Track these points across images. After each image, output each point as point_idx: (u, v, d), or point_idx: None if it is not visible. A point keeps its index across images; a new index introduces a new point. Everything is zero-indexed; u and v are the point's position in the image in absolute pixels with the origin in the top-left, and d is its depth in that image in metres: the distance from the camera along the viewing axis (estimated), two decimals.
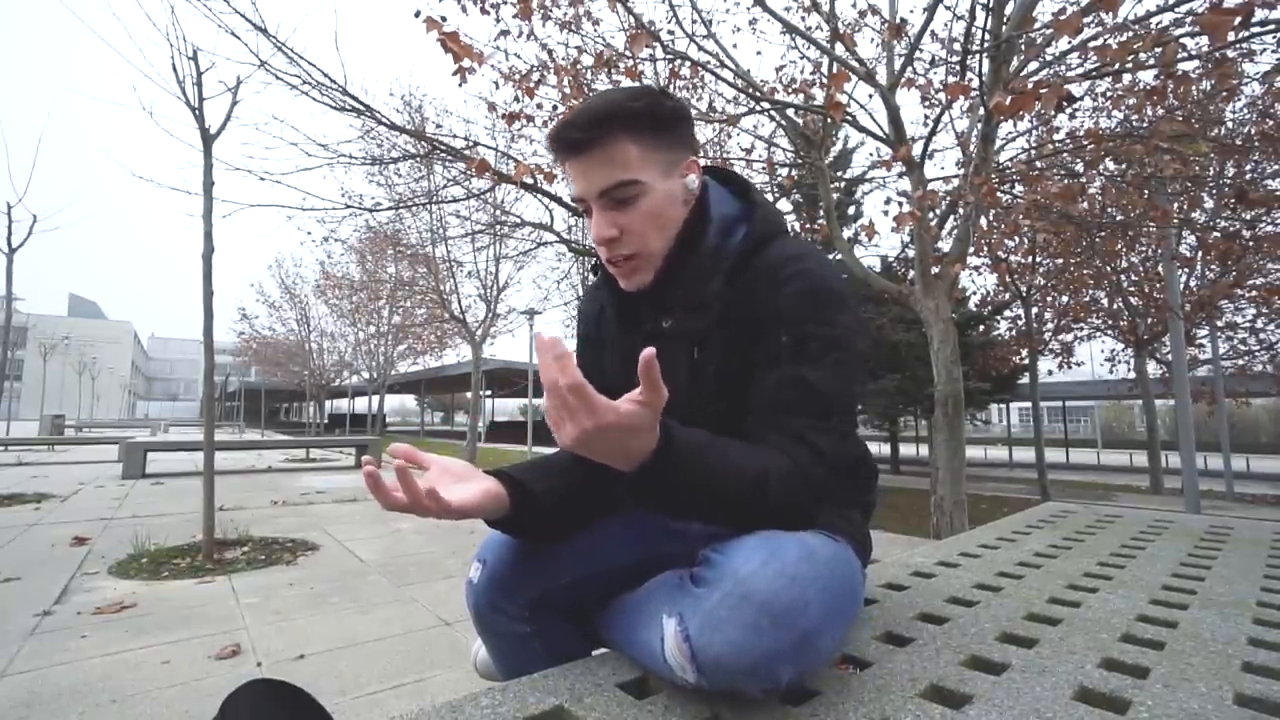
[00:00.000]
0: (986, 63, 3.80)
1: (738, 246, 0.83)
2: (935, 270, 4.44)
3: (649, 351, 0.57)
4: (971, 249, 5.98)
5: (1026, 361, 11.31)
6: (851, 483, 0.92)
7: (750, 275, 0.80)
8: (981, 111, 3.85)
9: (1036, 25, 3.67)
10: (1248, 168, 6.80)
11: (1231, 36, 2.71)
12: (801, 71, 5.74)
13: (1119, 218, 5.96)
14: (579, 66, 4.71)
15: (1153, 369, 11.08)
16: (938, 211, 4.82)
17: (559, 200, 5.46)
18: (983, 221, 6.07)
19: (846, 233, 11.57)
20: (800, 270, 0.77)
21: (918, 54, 4.66)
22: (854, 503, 0.91)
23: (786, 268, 0.78)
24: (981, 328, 12.46)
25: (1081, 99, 5.60)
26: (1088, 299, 10.58)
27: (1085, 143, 4.47)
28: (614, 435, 0.60)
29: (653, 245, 0.80)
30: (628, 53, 4.33)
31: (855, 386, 0.81)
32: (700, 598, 0.64)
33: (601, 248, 0.81)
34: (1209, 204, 6.85)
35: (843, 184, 10.44)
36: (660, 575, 0.80)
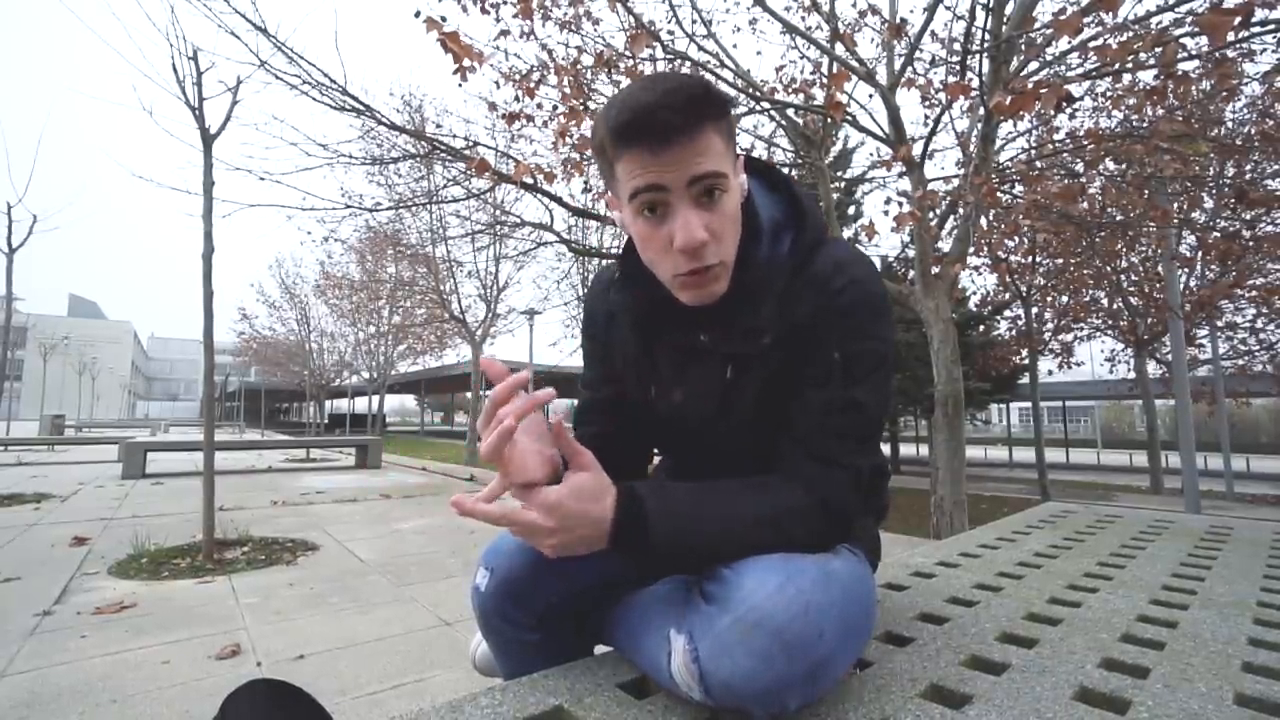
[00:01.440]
0: (986, 63, 3.80)
1: (786, 258, 0.75)
2: (935, 270, 4.45)
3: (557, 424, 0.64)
4: (971, 249, 5.97)
5: (1026, 361, 11.32)
6: (871, 491, 0.89)
7: (797, 286, 0.73)
8: (981, 111, 3.86)
9: (1036, 25, 3.67)
10: (1248, 168, 6.79)
11: (1231, 36, 2.71)
12: (801, 71, 5.75)
13: (1119, 218, 5.95)
14: (579, 66, 4.71)
15: (1153, 369, 11.08)
16: (938, 211, 4.82)
17: (559, 200, 5.46)
18: (983, 221, 6.07)
19: (846, 233, 11.59)
20: (851, 280, 0.72)
21: (918, 54, 4.67)
22: (869, 509, 0.89)
23: (836, 278, 0.72)
24: (981, 328, 12.46)
25: (1081, 99, 5.60)
26: (1088, 299, 10.59)
27: (1085, 143, 4.47)
28: (571, 508, 0.62)
29: (733, 251, 0.71)
30: (628, 53, 4.33)
31: (892, 397, 0.78)
32: (711, 617, 0.62)
33: (681, 256, 0.67)
34: (1209, 204, 6.85)
35: (843, 184, 10.45)
36: (669, 580, 0.79)
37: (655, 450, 1.00)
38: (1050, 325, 11.46)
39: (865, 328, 0.72)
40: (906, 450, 19.22)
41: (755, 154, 6.46)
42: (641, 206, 0.67)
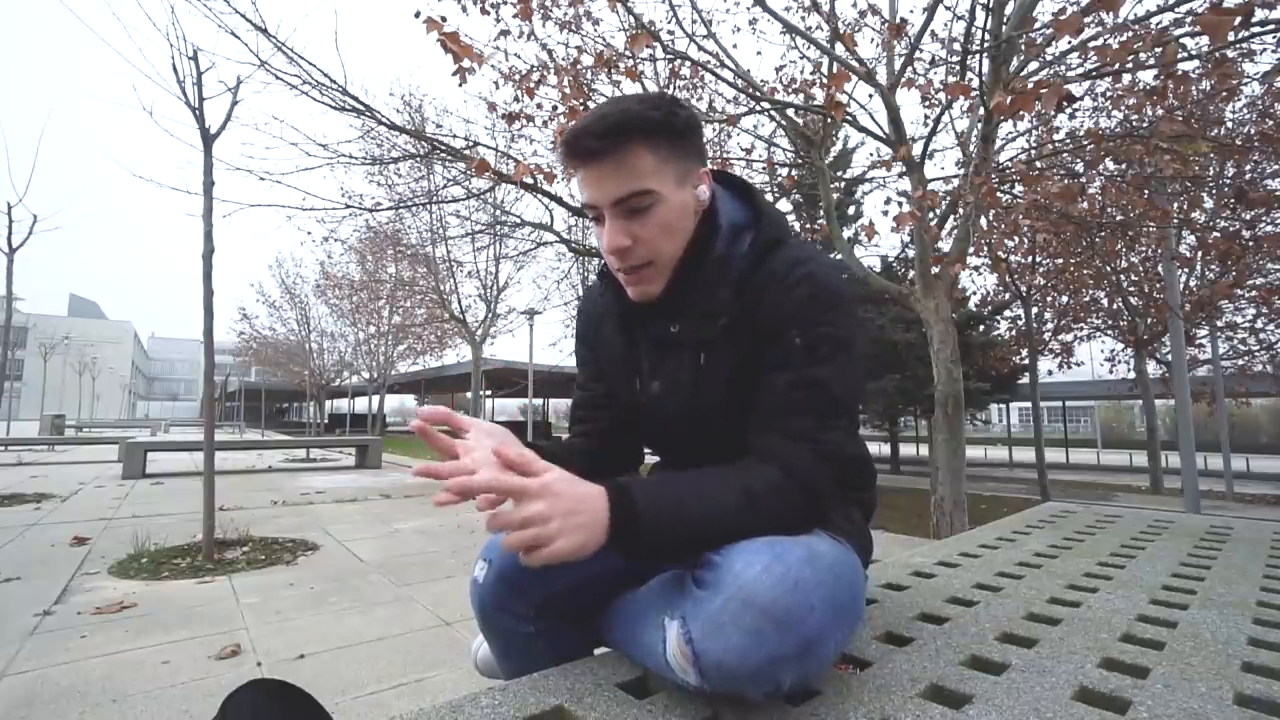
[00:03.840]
0: (986, 63, 3.80)
1: (745, 253, 0.83)
2: (935, 270, 4.44)
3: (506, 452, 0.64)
4: (971, 249, 5.97)
5: (1026, 361, 11.32)
6: (853, 482, 0.91)
7: (758, 282, 0.80)
8: (981, 111, 3.85)
9: (1036, 25, 3.67)
10: (1248, 168, 6.79)
11: (1231, 36, 2.71)
12: (801, 71, 5.74)
13: (1119, 218, 5.95)
14: (579, 66, 4.70)
15: (1153, 369, 11.08)
16: (938, 211, 4.82)
17: (559, 200, 5.46)
18: (983, 221, 6.07)
19: (846, 233, 11.57)
20: (806, 274, 0.77)
21: (918, 54, 4.66)
22: (854, 502, 0.91)
23: (793, 273, 0.78)
24: (981, 328, 12.46)
25: (1081, 99, 5.60)
26: (1088, 299, 10.59)
27: (1085, 143, 4.47)
28: (564, 490, 0.63)
29: (664, 256, 0.79)
30: (628, 53, 4.32)
31: (859, 386, 0.82)
32: (702, 600, 0.64)
33: (612, 256, 0.79)
34: (1209, 204, 6.85)
35: (843, 184, 10.44)
36: (662, 575, 0.79)
37: (649, 451, 1.02)
38: (1050, 325, 11.47)
39: (824, 315, 0.77)
40: (906, 450, 19.20)
41: (755, 154, 6.49)
42: (590, 215, 0.81)
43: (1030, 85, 3.03)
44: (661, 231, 0.77)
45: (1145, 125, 4.47)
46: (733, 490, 0.70)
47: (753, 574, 0.62)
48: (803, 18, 5.53)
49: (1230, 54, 4.00)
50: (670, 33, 4.78)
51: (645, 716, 0.66)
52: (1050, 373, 12.11)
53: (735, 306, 0.80)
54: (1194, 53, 3.35)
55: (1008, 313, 11.90)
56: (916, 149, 4.30)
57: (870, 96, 4.85)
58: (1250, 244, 6.78)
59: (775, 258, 0.80)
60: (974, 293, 11.72)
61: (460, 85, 3.86)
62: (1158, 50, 2.87)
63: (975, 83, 3.68)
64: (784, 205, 9.06)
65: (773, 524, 0.69)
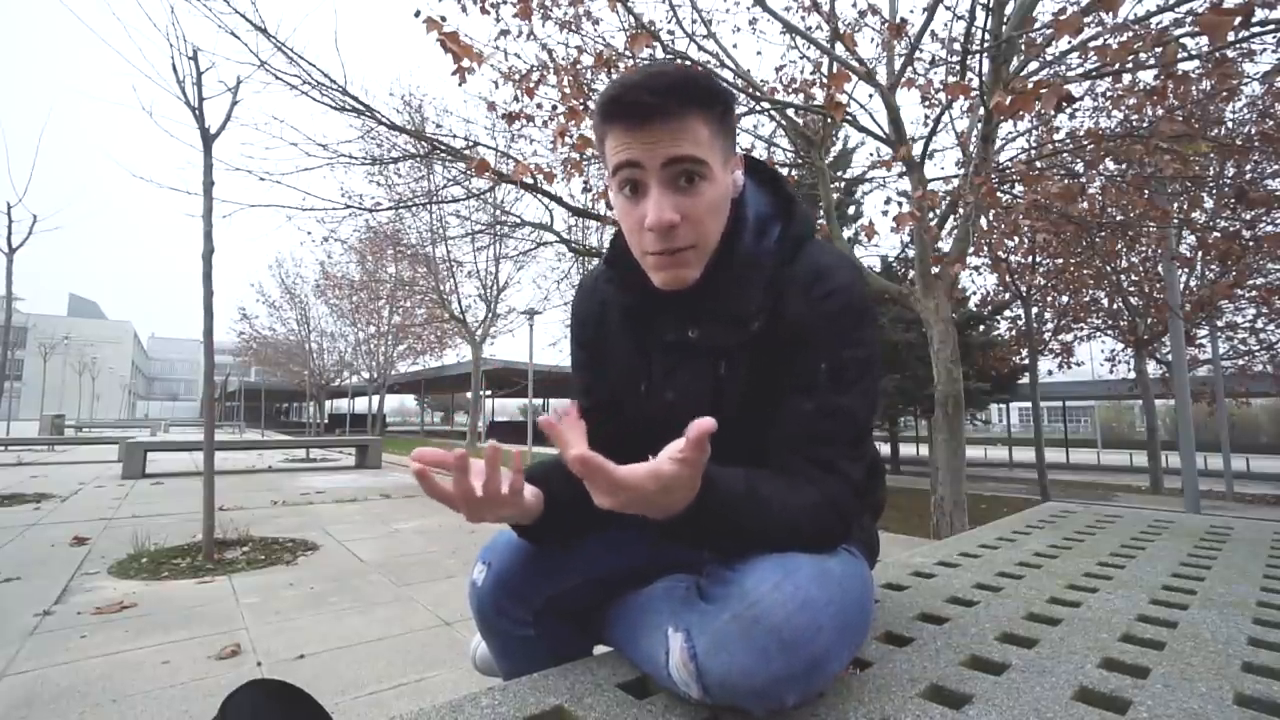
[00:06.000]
0: (986, 63, 3.80)
1: (773, 252, 0.76)
2: (935, 270, 4.44)
3: (707, 422, 0.53)
4: (971, 249, 5.97)
5: (1026, 361, 11.32)
6: (866, 490, 0.89)
7: (780, 286, 0.74)
8: (981, 111, 3.86)
9: (1036, 25, 3.67)
10: (1248, 168, 6.79)
11: (1231, 36, 2.71)
12: (801, 71, 5.74)
13: (1119, 218, 5.95)
14: (579, 66, 4.70)
15: (1153, 369, 11.08)
16: (938, 211, 4.82)
17: (559, 200, 5.46)
18: (983, 221, 6.07)
19: (846, 233, 11.57)
20: (834, 288, 0.72)
21: (918, 54, 4.66)
22: (866, 507, 0.89)
23: (819, 284, 0.73)
24: (981, 328, 12.46)
25: (1081, 99, 5.60)
26: (1088, 299, 10.59)
27: (1085, 143, 4.47)
28: (649, 498, 0.57)
29: (708, 240, 0.72)
30: (628, 53, 4.33)
31: (878, 399, 0.79)
32: (709, 615, 0.63)
33: (650, 235, 0.69)
34: (1209, 204, 6.85)
35: (843, 184, 10.44)
36: (666, 579, 0.79)
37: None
38: (1050, 325, 11.47)
39: (849, 335, 0.73)
40: (906, 450, 19.20)
41: (755, 154, 6.48)
42: (622, 183, 0.70)
43: (1030, 85, 3.03)
44: (709, 211, 0.70)
45: (1145, 125, 4.47)
46: (788, 506, 0.68)
47: (762, 591, 0.60)
48: (803, 18, 5.53)
49: (1230, 54, 4.00)
50: (670, 33, 4.79)
51: (645, 716, 0.66)
52: (1050, 373, 12.12)
53: (765, 312, 0.74)
54: (1194, 53, 3.34)
55: (1008, 313, 11.91)
56: (916, 149, 4.30)
57: (870, 96, 4.86)
58: (1250, 244, 6.77)
59: (800, 261, 0.75)
60: (974, 293, 11.73)
61: (460, 85, 3.86)
62: (1158, 50, 2.87)
63: (975, 83, 3.69)
64: None
65: (806, 541, 0.67)
